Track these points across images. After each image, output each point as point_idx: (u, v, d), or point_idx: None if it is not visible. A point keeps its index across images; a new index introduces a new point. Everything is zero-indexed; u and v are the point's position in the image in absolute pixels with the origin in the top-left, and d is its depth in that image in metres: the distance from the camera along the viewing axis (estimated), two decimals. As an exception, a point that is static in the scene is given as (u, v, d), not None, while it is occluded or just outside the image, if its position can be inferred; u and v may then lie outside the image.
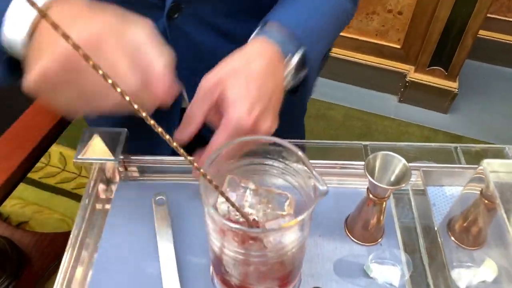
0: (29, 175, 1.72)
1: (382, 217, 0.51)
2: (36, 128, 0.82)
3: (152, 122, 0.34)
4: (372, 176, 0.46)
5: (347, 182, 0.59)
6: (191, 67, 0.57)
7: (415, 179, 0.57)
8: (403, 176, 0.46)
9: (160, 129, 0.34)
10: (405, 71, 1.85)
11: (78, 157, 0.55)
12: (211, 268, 0.49)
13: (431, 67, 1.81)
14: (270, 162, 0.44)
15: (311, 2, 0.55)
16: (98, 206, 0.58)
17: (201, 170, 0.37)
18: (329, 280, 0.50)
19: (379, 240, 0.54)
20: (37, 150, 0.80)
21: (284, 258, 0.41)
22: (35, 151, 0.79)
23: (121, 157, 0.57)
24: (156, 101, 0.41)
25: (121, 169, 0.58)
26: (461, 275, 0.50)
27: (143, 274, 0.51)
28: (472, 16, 1.56)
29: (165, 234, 0.52)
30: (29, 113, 0.83)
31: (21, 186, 1.66)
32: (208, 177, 0.37)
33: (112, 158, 0.55)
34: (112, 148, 0.56)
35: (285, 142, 0.41)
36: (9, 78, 0.45)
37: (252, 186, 0.44)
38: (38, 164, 1.66)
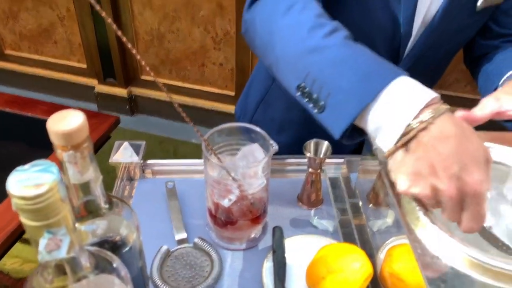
0: (26, 235, 1.88)
1: (319, 190, 0.77)
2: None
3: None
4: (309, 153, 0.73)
5: (301, 174, 0.85)
6: None
7: (342, 170, 0.84)
8: (327, 152, 0.73)
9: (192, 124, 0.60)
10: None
11: (113, 158, 0.80)
12: (207, 218, 0.73)
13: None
14: (242, 142, 0.70)
15: None
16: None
17: (204, 137, 0.63)
18: (286, 229, 0.74)
19: (320, 206, 0.79)
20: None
21: (254, 197, 0.66)
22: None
23: (141, 160, 0.82)
24: None
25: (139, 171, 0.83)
26: (374, 223, 0.75)
27: (159, 232, 0.74)
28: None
29: (174, 206, 0.76)
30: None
31: (19, 246, 1.82)
32: (209, 146, 0.63)
33: (137, 158, 0.80)
34: (136, 153, 0.81)
35: (252, 126, 0.67)
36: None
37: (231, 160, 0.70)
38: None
